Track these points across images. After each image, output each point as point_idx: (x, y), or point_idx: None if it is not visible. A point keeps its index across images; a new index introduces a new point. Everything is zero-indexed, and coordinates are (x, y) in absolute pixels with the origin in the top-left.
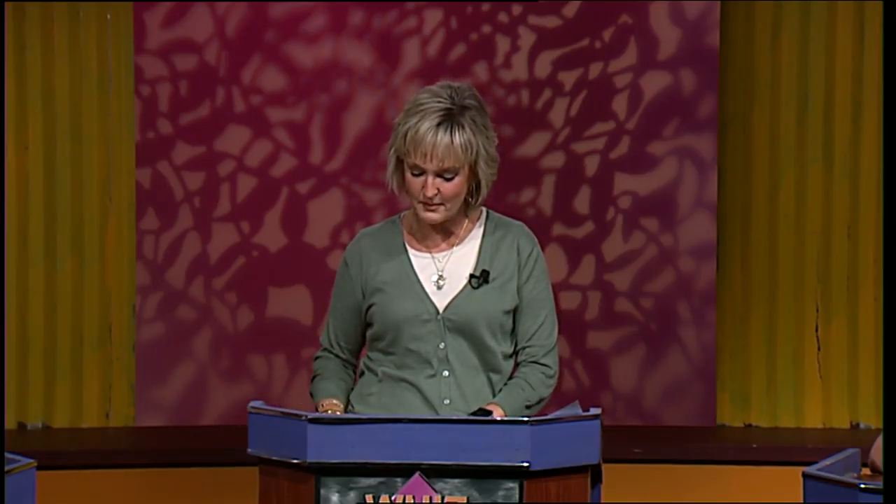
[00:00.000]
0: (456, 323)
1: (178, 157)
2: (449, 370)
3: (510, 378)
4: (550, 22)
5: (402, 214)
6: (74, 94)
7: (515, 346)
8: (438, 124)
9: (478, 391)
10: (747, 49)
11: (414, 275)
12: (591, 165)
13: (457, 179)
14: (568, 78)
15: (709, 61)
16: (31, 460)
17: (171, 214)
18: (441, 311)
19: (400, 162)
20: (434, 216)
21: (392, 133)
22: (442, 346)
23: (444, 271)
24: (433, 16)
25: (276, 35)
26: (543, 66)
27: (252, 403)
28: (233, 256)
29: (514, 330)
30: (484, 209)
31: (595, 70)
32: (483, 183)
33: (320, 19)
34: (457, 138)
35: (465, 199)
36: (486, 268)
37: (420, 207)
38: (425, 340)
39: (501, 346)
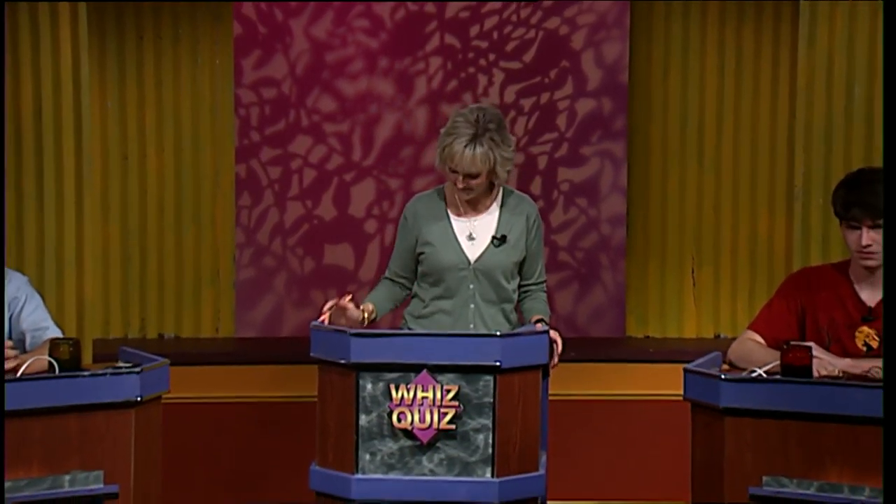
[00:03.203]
0: (482, 271)
1: (264, 156)
2: (475, 304)
3: (530, 295)
4: (515, 65)
5: (444, 186)
6: (195, 115)
7: (524, 280)
8: (465, 145)
9: (493, 317)
10: (647, 84)
11: (453, 234)
12: (542, 162)
13: (479, 178)
14: (526, 103)
15: (621, 92)
16: (166, 359)
17: (259, 195)
18: (472, 262)
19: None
20: (466, 196)
21: (439, 140)
22: (472, 286)
23: (475, 231)
24: (435, 61)
25: (330, 74)
26: (510, 95)
27: (313, 322)
28: (300, 224)
29: (521, 271)
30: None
31: (545, 97)
32: (499, 175)
33: (359, 63)
34: (479, 154)
35: (490, 182)
36: (505, 232)
37: (456, 189)
38: (460, 282)
39: (511, 285)
